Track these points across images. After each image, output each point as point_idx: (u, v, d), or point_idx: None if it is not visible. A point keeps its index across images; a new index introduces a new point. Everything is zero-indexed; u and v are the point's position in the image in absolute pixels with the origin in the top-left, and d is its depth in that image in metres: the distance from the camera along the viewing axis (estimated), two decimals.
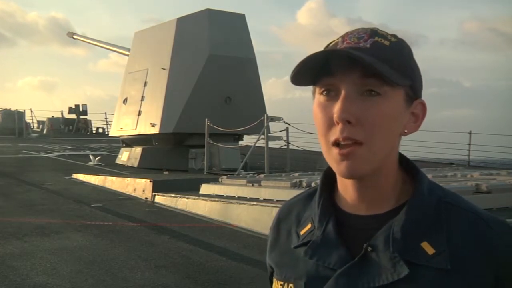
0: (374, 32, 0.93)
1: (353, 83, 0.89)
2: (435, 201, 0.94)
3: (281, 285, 1.01)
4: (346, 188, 0.97)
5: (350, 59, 0.87)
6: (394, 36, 0.94)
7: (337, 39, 0.94)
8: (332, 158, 0.91)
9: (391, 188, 0.96)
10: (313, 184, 7.37)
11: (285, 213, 1.10)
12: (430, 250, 0.89)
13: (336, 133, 0.89)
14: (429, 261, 0.88)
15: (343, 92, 0.89)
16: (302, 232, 1.01)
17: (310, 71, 0.91)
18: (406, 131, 0.95)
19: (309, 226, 1.01)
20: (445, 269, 0.88)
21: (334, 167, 0.93)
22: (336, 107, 0.88)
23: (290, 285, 0.99)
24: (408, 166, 0.99)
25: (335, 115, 0.88)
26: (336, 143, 0.89)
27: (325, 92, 0.92)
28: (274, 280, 1.04)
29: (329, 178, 1.02)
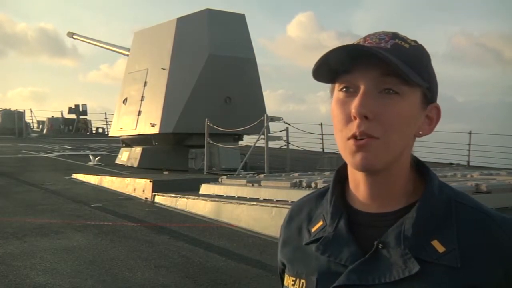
0: (395, 35, 0.95)
1: (372, 81, 0.91)
2: (445, 200, 0.96)
3: (293, 280, 1.02)
4: (357, 185, 0.99)
5: (371, 57, 0.89)
6: (414, 41, 0.97)
7: (358, 40, 0.97)
8: (348, 150, 0.93)
9: (402, 187, 0.97)
10: (313, 184, 7.37)
11: (296, 211, 1.11)
12: (440, 248, 0.91)
13: (353, 128, 0.91)
14: (439, 259, 0.90)
15: (362, 88, 0.91)
16: (313, 229, 1.03)
17: (331, 67, 0.93)
18: (420, 132, 0.97)
19: (320, 223, 1.02)
20: (455, 267, 0.89)
21: (349, 160, 0.94)
22: (355, 103, 0.90)
23: (302, 281, 1.00)
24: (419, 167, 1.00)
25: (353, 110, 0.90)
26: (353, 137, 0.91)
27: (344, 89, 0.93)
28: (286, 276, 1.05)
29: (341, 176, 1.04)
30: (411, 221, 0.92)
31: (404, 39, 0.95)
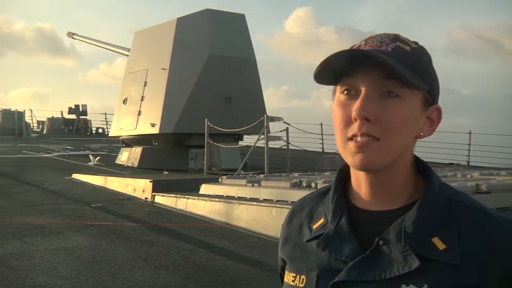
0: (396, 38, 0.96)
1: (373, 84, 0.92)
2: (446, 199, 0.97)
3: (293, 276, 1.03)
4: (359, 184, 1.01)
5: (372, 60, 0.90)
6: (415, 43, 0.98)
7: (360, 42, 0.98)
8: (348, 151, 0.94)
9: (403, 186, 0.99)
10: (313, 185, 7.36)
11: (298, 209, 1.13)
12: (441, 245, 0.92)
13: (354, 129, 0.92)
14: (439, 256, 0.91)
15: (363, 91, 0.92)
16: (314, 227, 1.05)
17: (333, 70, 0.94)
18: (421, 134, 0.98)
19: (322, 220, 1.04)
20: (455, 264, 0.90)
21: (349, 160, 0.95)
22: (356, 105, 0.92)
23: (303, 276, 1.01)
24: (421, 167, 1.02)
25: (354, 112, 0.91)
26: (353, 138, 0.93)
27: (346, 91, 0.95)
28: (287, 272, 1.06)
29: (344, 175, 1.06)
30: (412, 219, 0.93)
31: (405, 41, 0.96)
